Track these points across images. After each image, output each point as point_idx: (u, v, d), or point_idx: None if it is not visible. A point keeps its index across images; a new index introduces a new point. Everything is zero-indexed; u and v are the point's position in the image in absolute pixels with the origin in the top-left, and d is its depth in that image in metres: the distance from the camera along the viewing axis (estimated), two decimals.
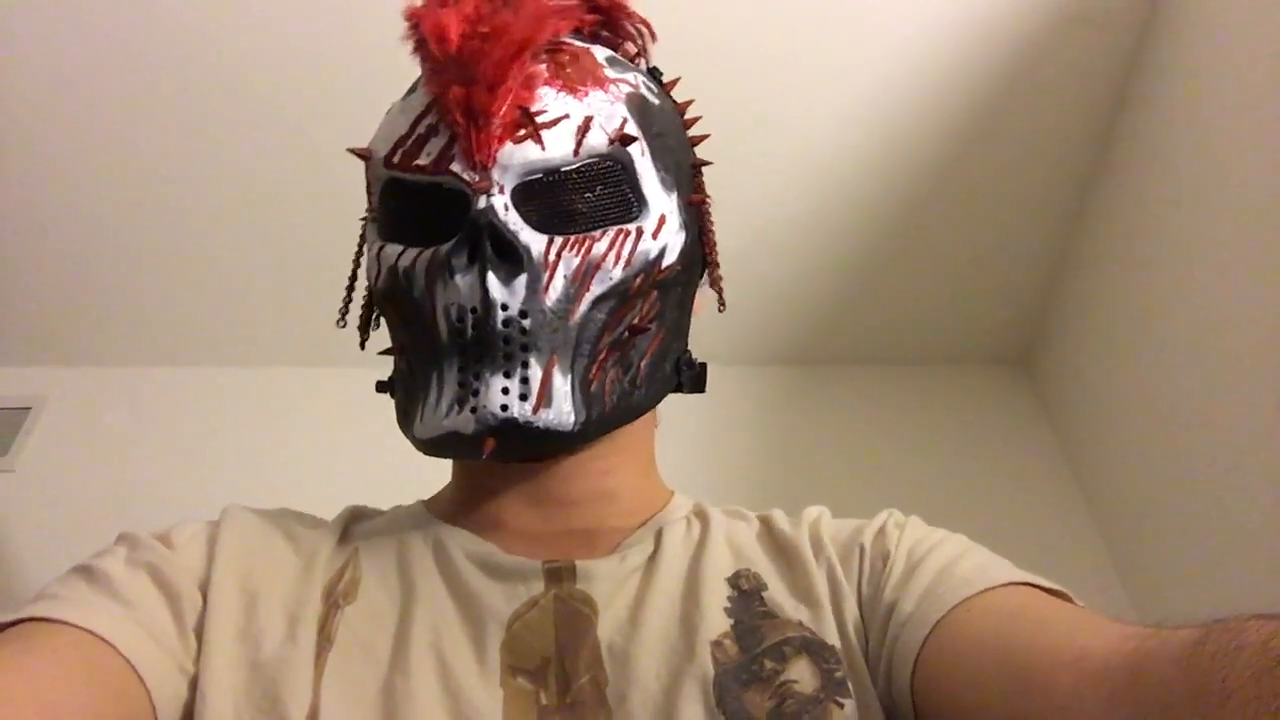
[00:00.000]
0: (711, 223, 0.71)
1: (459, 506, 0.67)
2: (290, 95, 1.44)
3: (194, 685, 0.53)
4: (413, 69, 0.64)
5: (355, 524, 0.67)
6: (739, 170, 1.53)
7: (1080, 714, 0.45)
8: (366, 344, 0.72)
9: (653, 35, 0.73)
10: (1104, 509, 1.53)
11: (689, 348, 0.72)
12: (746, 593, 0.61)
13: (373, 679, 0.55)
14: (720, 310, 0.74)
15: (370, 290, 0.69)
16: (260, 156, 1.51)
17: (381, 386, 0.69)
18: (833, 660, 0.57)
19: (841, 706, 0.55)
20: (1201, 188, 1.31)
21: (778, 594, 0.61)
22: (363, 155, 0.65)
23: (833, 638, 0.58)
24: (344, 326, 0.72)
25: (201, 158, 1.51)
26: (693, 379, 0.70)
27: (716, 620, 0.59)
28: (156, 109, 1.46)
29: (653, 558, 0.63)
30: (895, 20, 1.41)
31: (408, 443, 0.65)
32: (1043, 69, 1.44)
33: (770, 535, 0.67)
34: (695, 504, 0.70)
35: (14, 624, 0.52)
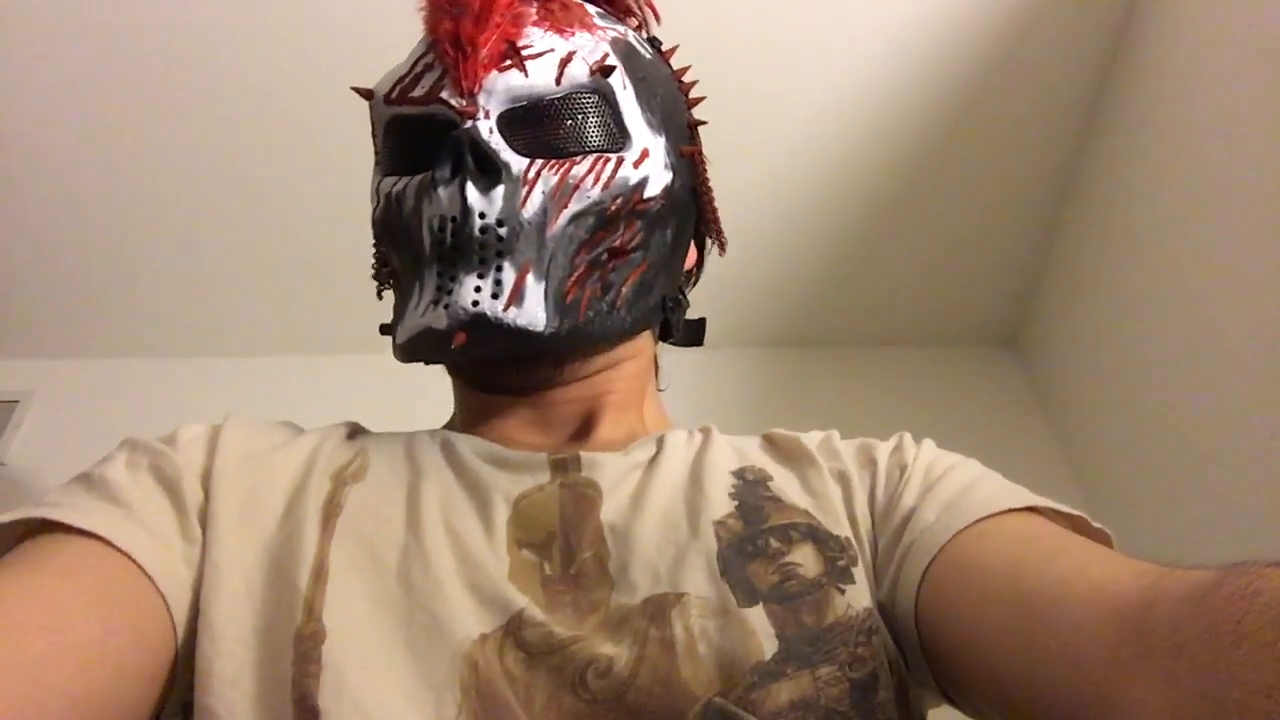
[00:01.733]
0: (707, 174, 0.73)
1: (464, 425, 0.68)
2: (279, 88, 1.43)
3: (200, 570, 0.54)
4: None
5: (359, 433, 0.68)
6: (724, 154, 1.53)
7: (1087, 645, 0.44)
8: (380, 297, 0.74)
9: (656, 16, 0.75)
10: (1093, 487, 1.54)
11: (684, 298, 0.73)
12: (751, 481, 0.62)
13: (385, 538, 0.56)
14: (720, 254, 0.76)
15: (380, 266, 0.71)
16: (249, 149, 1.50)
17: (385, 329, 0.69)
18: (837, 549, 0.58)
19: (843, 592, 0.55)
20: (1188, 167, 1.31)
21: (784, 485, 0.62)
22: (365, 95, 0.68)
23: (840, 529, 0.59)
24: (382, 298, 0.74)
25: (191, 150, 1.50)
26: (687, 331, 0.72)
27: (720, 503, 0.60)
28: (146, 102, 1.45)
29: (655, 458, 0.64)
30: (878, 2, 1.40)
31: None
32: (1027, 50, 1.44)
33: (774, 445, 0.68)
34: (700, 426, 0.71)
35: (16, 536, 0.53)
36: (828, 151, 1.54)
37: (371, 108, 0.68)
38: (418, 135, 0.63)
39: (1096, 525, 0.58)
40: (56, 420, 1.65)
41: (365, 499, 0.59)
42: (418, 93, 0.63)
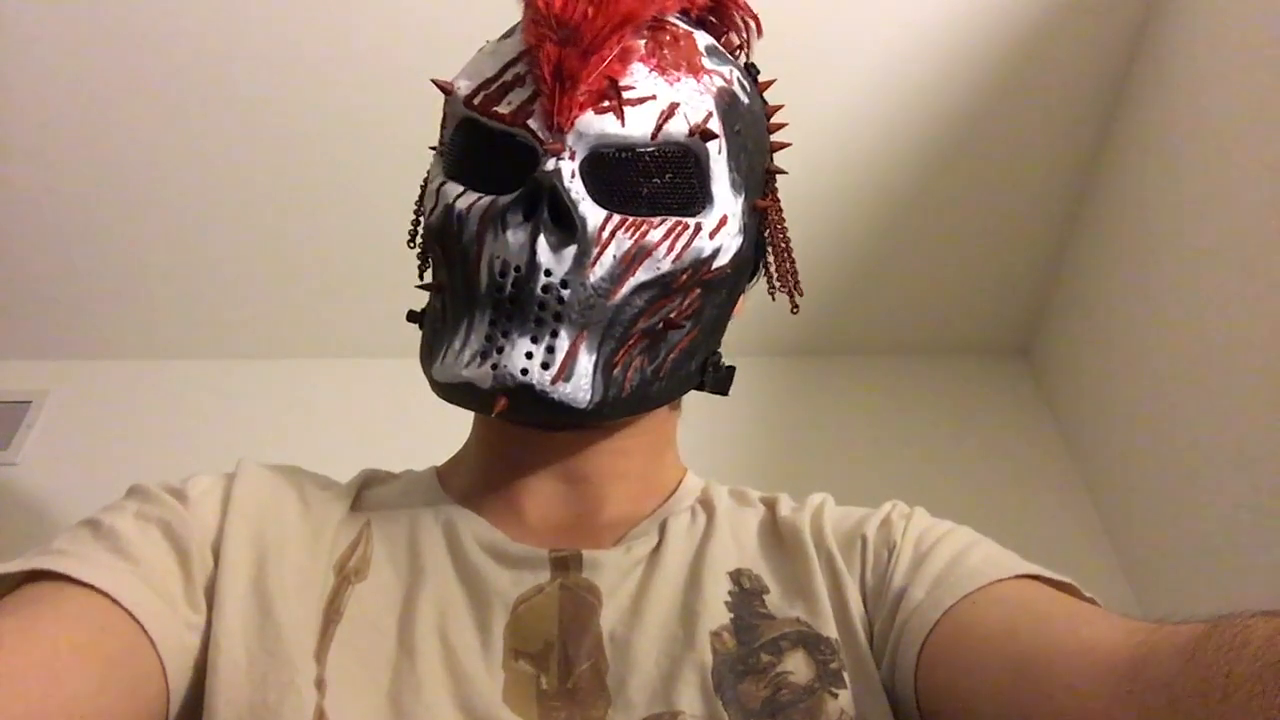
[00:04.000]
0: (785, 227, 0.72)
1: (472, 484, 0.68)
2: (289, 90, 1.44)
3: (204, 640, 0.54)
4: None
5: (368, 490, 0.68)
6: None
7: (1082, 705, 0.45)
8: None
9: (759, 30, 0.72)
10: (1106, 498, 1.53)
11: (720, 349, 0.72)
12: (748, 591, 0.61)
13: (379, 657, 0.56)
14: (794, 312, 0.75)
15: (422, 220, 0.68)
16: (261, 151, 1.50)
17: (412, 316, 0.69)
18: (828, 652, 0.58)
19: (835, 696, 0.56)
20: (1203, 177, 1.30)
21: (776, 597, 0.62)
22: (445, 89, 0.65)
23: (829, 629, 0.59)
24: (413, 247, 0.72)
25: (202, 152, 1.50)
26: (717, 380, 0.70)
27: (717, 611, 0.59)
28: (158, 103, 1.45)
29: (657, 549, 0.63)
30: (891, 10, 1.40)
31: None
32: (1042, 59, 1.44)
33: (773, 524, 0.67)
34: (703, 489, 0.70)
35: (20, 579, 0.53)
36: (838, 160, 1.54)
37: (446, 100, 0.65)
38: (492, 148, 0.60)
39: (1087, 595, 0.58)
40: (70, 421, 1.65)
41: (364, 606, 0.58)
42: (502, 109, 0.59)
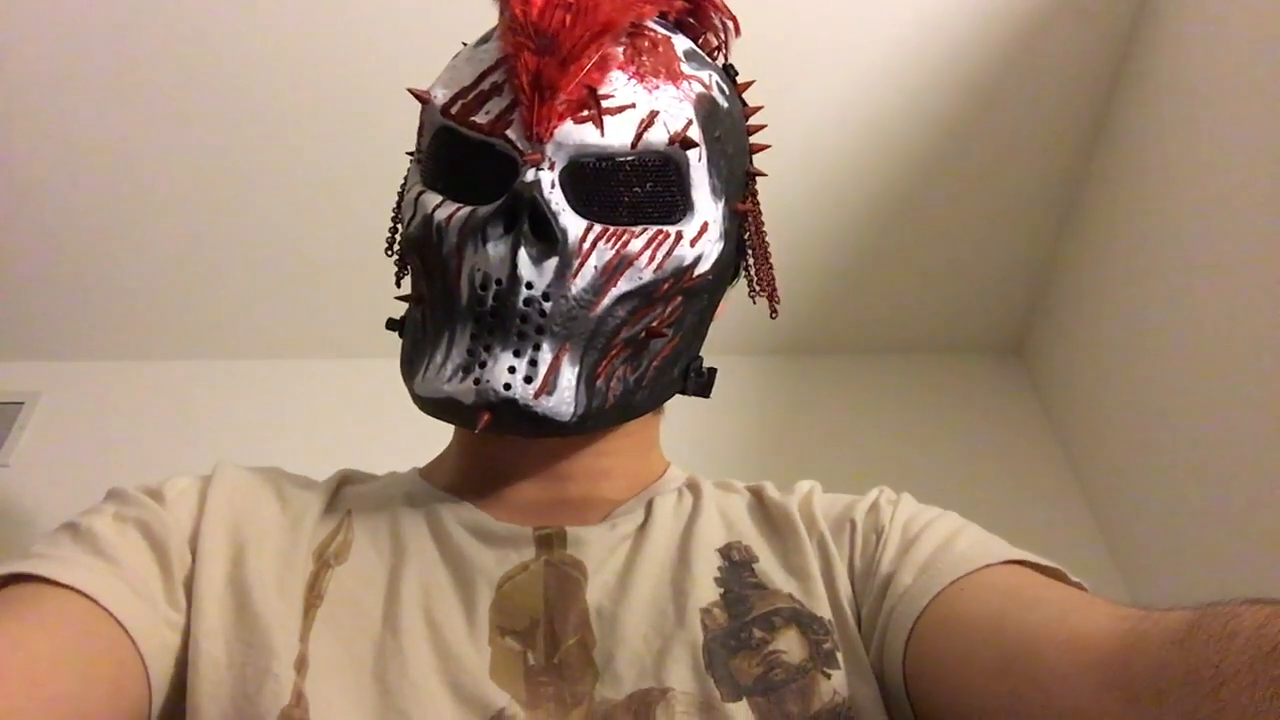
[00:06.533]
0: (764, 231, 0.71)
1: (455, 475, 0.68)
2: (280, 92, 1.44)
3: (184, 637, 0.54)
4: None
5: (346, 487, 0.68)
6: None
7: (1070, 694, 0.45)
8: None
9: (737, 30, 0.72)
10: (1098, 495, 1.53)
11: (701, 353, 0.71)
12: (737, 563, 0.61)
13: (363, 636, 0.56)
14: (773, 317, 0.74)
15: (400, 227, 0.67)
16: (252, 152, 1.50)
17: (391, 324, 0.68)
18: (821, 631, 0.58)
19: (829, 677, 0.55)
20: (1193, 176, 1.31)
21: (768, 566, 0.62)
22: (421, 98, 0.64)
23: (823, 610, 0.59)
24: (391, 255, 0.72)
25: (194, 153, 1.50)
26: (699, 384, 0.70)
27: (706, 588, 0.59)
28: (149, 106, 1.45)
29: (643, 526, 0.63)
30: (885, 11, 1.40)
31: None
32: (1034, 58, 1.44)
33: (761, 507, 0.67)
34: (689, 476, 0.70)
35: (2, 583, 0.53)
36: (832, 159, 1.54)
37: (423, 109, 0.64)
38: (470, 157, 0.60)
39: (1074, 580, 0.58)
40: (62, 422, 1.65)
41: (346, 586, 0.58)
42: (480, 119, 0.59)
